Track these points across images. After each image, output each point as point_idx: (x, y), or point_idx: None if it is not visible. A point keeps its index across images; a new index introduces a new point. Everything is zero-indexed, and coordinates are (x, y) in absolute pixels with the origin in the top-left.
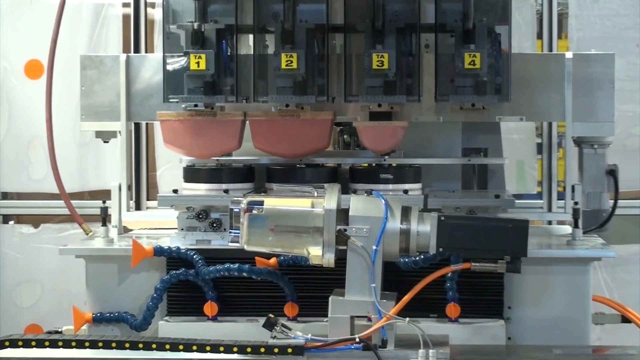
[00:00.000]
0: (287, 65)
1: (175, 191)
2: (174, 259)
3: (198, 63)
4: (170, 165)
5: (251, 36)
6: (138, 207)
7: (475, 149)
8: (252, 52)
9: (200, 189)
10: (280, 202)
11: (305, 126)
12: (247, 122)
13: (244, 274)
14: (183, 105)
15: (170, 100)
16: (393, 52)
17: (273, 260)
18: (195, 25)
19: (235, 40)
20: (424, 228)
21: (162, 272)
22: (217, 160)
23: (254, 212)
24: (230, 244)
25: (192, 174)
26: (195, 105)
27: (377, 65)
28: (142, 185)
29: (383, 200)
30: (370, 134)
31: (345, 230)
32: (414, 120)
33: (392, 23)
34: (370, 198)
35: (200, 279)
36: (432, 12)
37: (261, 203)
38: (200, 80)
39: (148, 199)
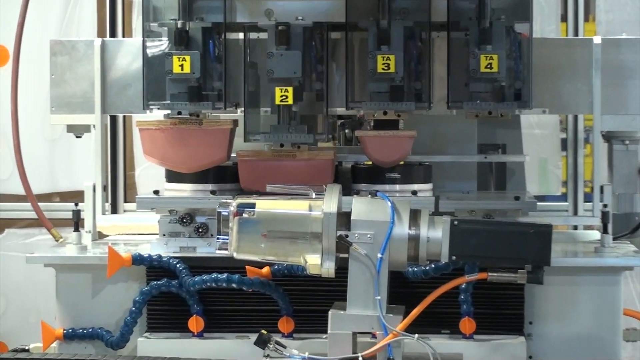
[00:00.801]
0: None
1: (156, 192)
2: (154, 268)
3: (182, 66)
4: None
5: (241, 35)
6: (114, 210)
7: (492, 145)
8: (242, 53)
9: (185, 189)
10: (274, 204)
11: (302, 167)
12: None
13: (234, 285)
14: (165, 113)
15: (151, 107)
16: (400, 54)
17: (266, 269)
18: (179, 23)
19: (224, 40)
20: (435, 234)
21: (142, 283)
22: None
23: (245, 215)
24: (218, 251)
25: (175, 173)
26: (179, 113)
27: (383, 68)
28: (119, 186)
29: (389, 203)
30: (375, 144)
31: (347, 236)
32: (424, 113)
33: (399, 21)
34: (375, 200)
35: (185, 290)
36: (444, 8)
37: (252, 205)
38: (185, 84)
39: (126, 201)
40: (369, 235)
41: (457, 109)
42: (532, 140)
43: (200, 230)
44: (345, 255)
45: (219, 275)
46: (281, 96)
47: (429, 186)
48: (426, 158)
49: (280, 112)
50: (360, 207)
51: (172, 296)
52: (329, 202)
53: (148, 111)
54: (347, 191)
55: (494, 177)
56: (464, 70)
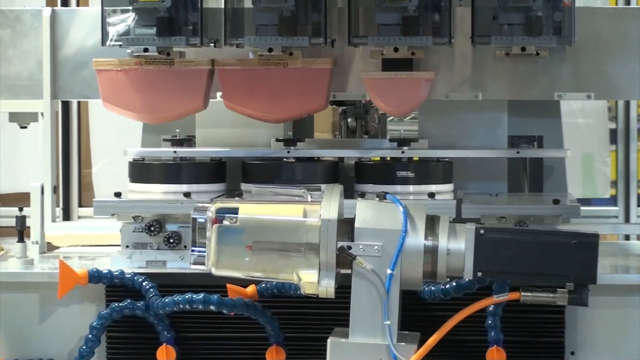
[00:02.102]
0: None
1: (117, 194)
2: (115, 286)
3: None
4: (110, 159)
5: None
6: (67, 217)
7: (526, 138)
8: None
9: (153, 191)
10: (261, 209)
11: (295, 78)
12: (216, 73)
13: (212, 308)
14: (129, 50)
15: (112, 43)
16: None
17: (251, 288)
18: None
19: None
20: (457, 245)
21: (100, 304)
22: (175, 152)
23: (225, 223)
24: (193, 266)
25: (140, 171)
26: (146, 50)
27: None
28: (72, 187)
29: (401, 207)
30: (383, 89)
31: (350, 247)
32: (443, 99)
33: None
34: (384, 204)
35: (152, 314)
36: None
37: (235, 211)
38: (153, 16)
39: (80, 206)
40: (376, 247)
41: (482, 44)
42: (575, 131)
43: (171, 240)
44: (348, 271)
45: (194, 296)
46: None
47: (449, 187)
48: (446, 153)
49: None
50: (365, 212)
51: (137, 321)
52: (328, 207)
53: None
54: (349, 193)
55: (528, 176)
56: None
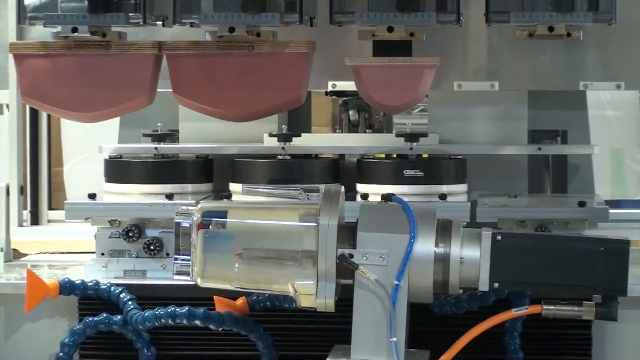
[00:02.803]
0: None
1: (92, 196)
2: (90, 299)
3: None
4: (83, 156)
5: None
6: (35, 221)
7: (548, 132)
8: None
9: (131, 192)
10: (252, 213)
11: (263, 65)
12: (165, 59)
13: (197, 323)
14: (54, 31)
15: (31, 21)
16: None
17: (241, 301)
18: None
19: None
20: (471, 253)
21: (73, 319)
22: (156, 148)
23: (213, 228)
24: (176, 276)
25: (117, 170)
26: (75, 30)
27: None
28: (41, 188)
29: (409, 210)
30: (375, 78)
31: (352, 255)
32: (455, 89)
33: None
34: (389, 207)
35: (131, 329)
36: None
37: (223, 214)
38: None
39: (50, 208)
40: (381, 255)
41: (499, 22)
42: (603, 125)
43: (151, 247)
44: (350, 282)
45: (178, 309)
46: None
47: (462, 188)
48: (459, 149)
49: None
50: (369, 216)
51: (113, 337)
52: (327, 210)
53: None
54: (351, 194)
55: (550, 175)
56: None
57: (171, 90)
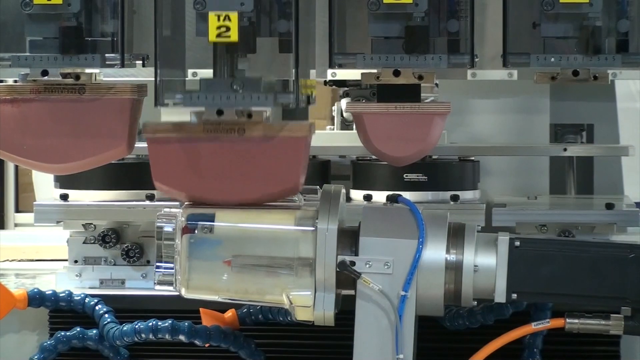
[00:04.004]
0: None
1: (64, 197)
2: (62, 311)
3: None
4: None
5: None
6: (1, 224)
7: (572, 127)
8: None
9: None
10: (243, 216)
11: (254, 151)
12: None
13: (181, 338)
14: (22, 72)
15: None
16: None
17: (230, 314)
18: None
19: None
20: (487, 260)
21: (43, 333)
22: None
23: (198, 233)
24: (158, 286)
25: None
26: (45, 73)
27: None
28: (7, 188)
29: (417, 213)
30: (380, 127)
31: (353, 263)
32: (470, 78)
33: None
34: (395, 209)
35: (108, 345)
36: None
37: (210, 218)
38: (54, 24)
39: (18, 210)
40: (386, 263)
41: (518, 68)
42: (634, 118)
43: (130, 254)
44: (351, 292)
45: (160, 323)
46: (219, 28)
47: (474, 194)
48: (470, 150)
49: (217, 60)
50: (373, 219)
51: (88, 354)
52: (326, 212)
53: None
54: (348, 198)
55: (574, 174)
56: (530, 3)
57: (152, 79)
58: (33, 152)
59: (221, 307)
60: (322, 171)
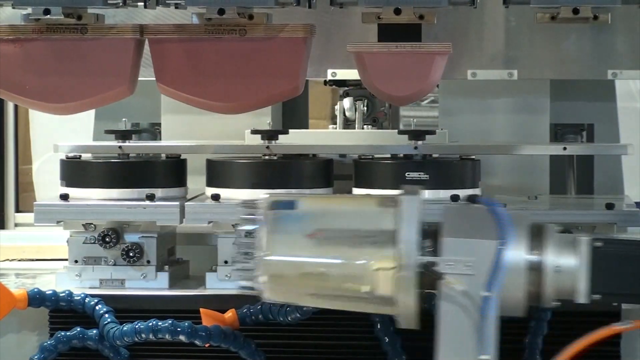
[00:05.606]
0: None
1: (64, 196)
2: (62, 311)
3: None
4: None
5: None
6: (1, 224)
7: (572, 126)
8: None
9: (107, 193)
10: (324, 202)
11: (256, 51)
12: (147, 44)
13: (182, 338)
14: (24, 13)
15: (1, 2)
16: None
17: (230, 314)
18: None
19: None
20: (568, 261)
21: (43, 333)
22: (120, 147)
23: (280, 212)
24: (242, 284)
25: (73, 173)
26: (47, 12)
27: None
28: (7, 188)
29: (498, 213)
30: (381, 66)
31: (435, 264)
32: (470, 78)
33: None
34: (475, 209)
35: (108, 345)
36: None
37: (293, 205)
38: None
39: (18, 210)
40: (468, 263)
41: (518, 4)
42: (634, 118)
43: (130, 254)
44: (430, 292)
45: (160, 323)
46: None
47: (475, 193)
48: (471, 149)
49: None
50: (453, 220)
51: (88, 354)
52: (406, 213)
53: None
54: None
55: (575, 174)
56: None
57: (154, 79)
58: (35, 91)
59: (221, 307)
60: (325, 170)
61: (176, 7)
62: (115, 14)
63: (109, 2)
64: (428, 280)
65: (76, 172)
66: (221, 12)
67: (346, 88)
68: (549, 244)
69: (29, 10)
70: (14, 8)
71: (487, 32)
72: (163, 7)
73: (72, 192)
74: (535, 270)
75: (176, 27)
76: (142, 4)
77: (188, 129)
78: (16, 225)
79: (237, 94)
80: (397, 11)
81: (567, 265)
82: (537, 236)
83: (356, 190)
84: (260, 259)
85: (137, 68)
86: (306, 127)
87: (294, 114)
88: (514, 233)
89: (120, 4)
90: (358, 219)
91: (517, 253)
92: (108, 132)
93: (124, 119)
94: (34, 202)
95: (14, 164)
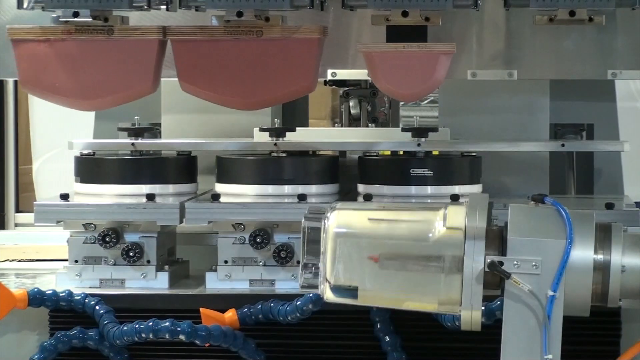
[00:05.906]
0: None
1: (64, 196)
2: (62, 311)
3: None
4: (54, 153)
5: None
6: (2, 224)
7: (572, 126)
8: None
9: (107, 192)
10: (388, 214)
11: (272, 51)
12: (169, 44)
13: (182, 338)
14: (54, 15)
15: (31, 4)
16: None
17: (231, 314)
18: None
19: None
20: (634, 261)
21: (43, 333)
22: (133, 144)
23: (346, 229)
24: (303, 289)
25: (89, 169)
26: (76, 15)
27: None
28: (7, 188)
29: (565, 213)
30: (388, 66)
31: (502, 264)
32: (470, 77)
33: None
34: (541, 209)
35: (108, 345)
36: None
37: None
38: None
39: (18, 210)
40: (534, 263)
41: (518, 7)
42: (634, 118)
43: (130, 254)
44: (494, 292)
45: (160, 323)
46: None
47: (476, 188)
48: (472, 146)
49: None
50: (519, 219)
51: (88, 354)
52: (474, 213)
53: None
54: (352, 195)
55: (575, 174)
56: None
57: (164, 78)
58: (64, 89)
59: (221, 307)
60: (331, 166)
61: (196, 10)
62: (140, 17)
63: (134, 4)
64: (493, 280)
65: (91, 168)
66: (239, 14)
67: (346, 88)
68: (616, 244)
69: (59, 12)
70: (44, 10)
71: (487, 33)
72: (185, 10)
73: (86, 188)
74: (601, 270)
75: (197, 28)
76: (165, 7)
77: (188, 128)
78: (16, 225)
79: (255, 91)
80: (405, 13)
81: (633, 265)
82: (603, 236)
83: (361, 187)
84: (323, 281)
85: (160, 67)
86: (306, 127)
87: (294, 114)
88: (580, 232)
89: (145, 7)
90: (423, 242)
91: (584, 253)
92: (121, 129)
93: (136, 117)
94: (34, 202)
95: (14, 164)
